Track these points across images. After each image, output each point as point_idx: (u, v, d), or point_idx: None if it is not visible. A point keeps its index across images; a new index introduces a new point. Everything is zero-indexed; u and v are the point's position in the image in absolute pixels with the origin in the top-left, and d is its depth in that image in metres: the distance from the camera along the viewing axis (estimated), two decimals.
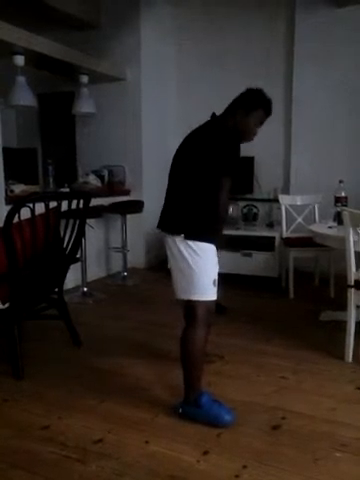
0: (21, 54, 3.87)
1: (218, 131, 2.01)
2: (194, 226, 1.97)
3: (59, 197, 2.77)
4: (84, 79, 4.59)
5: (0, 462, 1.78)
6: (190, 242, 1.93)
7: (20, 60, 3.90)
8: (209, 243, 1.96)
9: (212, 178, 1.93)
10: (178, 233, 1.96)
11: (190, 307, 1.99)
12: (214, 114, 2.09)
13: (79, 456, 1.80)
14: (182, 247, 1.95)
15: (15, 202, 2.39)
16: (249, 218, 4.80)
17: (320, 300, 3.87)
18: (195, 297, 1.96)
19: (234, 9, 4.91)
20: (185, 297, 1.99)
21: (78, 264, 3.73)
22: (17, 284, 2.50)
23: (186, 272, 1.96)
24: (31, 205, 2.35)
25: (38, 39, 3.89)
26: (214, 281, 1.98)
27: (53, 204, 2.55)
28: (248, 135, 2.08)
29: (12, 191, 3.66)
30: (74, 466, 1.75)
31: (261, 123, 2.10)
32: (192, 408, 2.01)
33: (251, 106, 2.06)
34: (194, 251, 1.93)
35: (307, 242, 3.56)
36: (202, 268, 1.94)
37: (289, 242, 4.07)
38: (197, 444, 1.87)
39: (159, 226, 2.09)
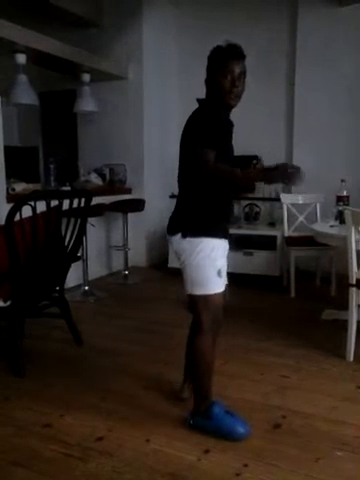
0: (23, 52, 3.87)
1: (195, 112, 1.85)
2: (189, 222, 1.86)
3: (60, 195, 2.78)
4: (86, 77, 4.59)
5: (1, 460, 1.79)
6: (188, 239, 1.83)
7: (22, 58, 3.90)
8: (208, 237, 1.83)
9: (193, 155, 1.74)
10: (176, 232, 1.87)
11: (193, 303, 1.88)
12: (197, 99, 1.91)
13: (80, 454, 1.80)
14: (181, 245, 1.86)
15: (16, 200, 2.39)
16: (251, 217, 4.80)
17: (321, 299, 3.87)
18: (196, 291, 1.85)
19: (236, 8, 4.90)
20: (189, 291, 1.88)
21: (79, 262, 3.73)
22: (18, 282, 2.51)
23: (188, 268, 1.86)
24: (32, 203, 2.35)
25: (40, 37, 3.89)
26: (219, 272, 1.84)
27: (54, 202, 2.55)
28: (227, 95, 1.81)
29: (13, 189, 3.66)
30: (75, 464, 1.75)
31: (232, 72, 1.79)
32: (203, 420, 1.92)
33: (210, 63, 1.86)
34: (192, 247, 1.82)
35: (309, 241, 3.55)
36: (201, 262, 1.82)
37: (291, 241, 4.06)
38: (198, 443, 1.87)
39: (168, 230, 1.98)
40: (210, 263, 1.83)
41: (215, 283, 1.86)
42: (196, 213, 1.85)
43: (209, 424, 1.90)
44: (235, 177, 1.69)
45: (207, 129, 1.73)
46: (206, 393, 1.93)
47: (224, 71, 1.80)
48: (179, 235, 1.85)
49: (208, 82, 1.89)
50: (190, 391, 2.08)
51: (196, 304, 1.88)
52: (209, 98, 1.89)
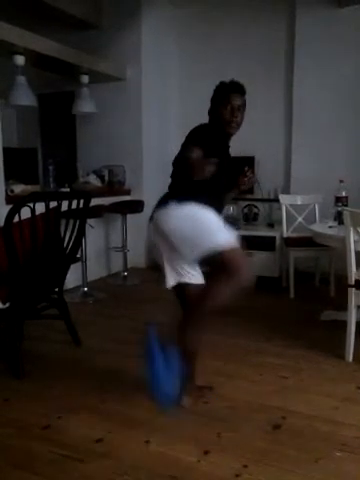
0: (21, 54, 3.87)
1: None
2: (178, 195, 1.90)
3: (59, 197, 2.77)
4: (84, 79, 4.60)
5: (0, 461, 1.78)
6: (176, 206, 1.85)
7: (20, 60, 3.90)
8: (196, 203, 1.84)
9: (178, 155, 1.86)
10: (163, 205, 1.90)
11: (219, 256, 1.76)
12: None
13: (79, 456, 1.80)
14: (170, 215, 1.86)
15: (15, 202, 2.39)
16: (249, 218, 4.81)
17: (320, 300, 3.87)
18: (215, 242, 1.76)
19: (235, 9, 4.91)
20: (210, 246, 1.76)
21: (78, 264, 3.73)
22: (17, 284, 2.51)
23: (187, 231, 1.82)
24: (31, 205, 2.35)
25: (39, 39, 3.89)
26: (222, 225, 1.84)
27: (53, 204, 2.55)
28: (227, 124, 1.99)
29: (12, 191, 3.66)
30: (74, 466, 1.75)
31: (233, 104, 1.98)
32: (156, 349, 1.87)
33: (214, 96, 2.07)
34: (183, 209, 1.84)
35: (307, 242, 3.55)
36: (200, 216, 1.83)
37: (289, 242, 4.07)
38: (197, 444, 1.87)
39: (150, 217, 1.98)
40: (206, 214, 1.82)
41: (224, 233, 1.81)
42: (181, 190, 1.92)
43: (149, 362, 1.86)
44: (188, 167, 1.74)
45: (197, 133, 1.91)
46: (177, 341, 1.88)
47: (225, 102, 2.00)
48: (166, 205, 1.87)
49: (210, 112, 2.08)
50: (191, 400, 2.09)
51: (226, 254, 1.76)
52: (212, 121, 2.07)
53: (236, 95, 2.00)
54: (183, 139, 2.08)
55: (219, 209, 2.00)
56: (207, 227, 1.82)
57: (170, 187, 2.06)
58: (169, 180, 2.08)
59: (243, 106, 2.03)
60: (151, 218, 1.98)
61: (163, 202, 1.94)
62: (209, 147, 1.82)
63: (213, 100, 2.07)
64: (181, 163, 1.83)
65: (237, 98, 2.00)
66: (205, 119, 2.13)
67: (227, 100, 1.99)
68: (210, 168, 1.74)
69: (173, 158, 1.92)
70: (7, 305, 2.53)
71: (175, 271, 2.00)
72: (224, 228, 1.84)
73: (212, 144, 1.88)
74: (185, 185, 1.90)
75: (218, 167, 1.84)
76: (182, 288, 2.03)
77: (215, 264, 1.82)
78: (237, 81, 2.05)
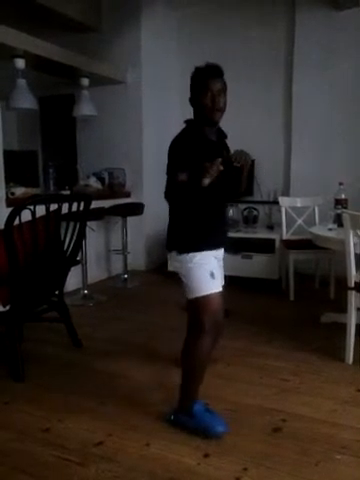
0: (22, 57, 3.88)
1: (177, 134, 2.00)
2: (179, 241, 1.98)
3: (60, 199, 2.78)
4: (85, 82, 4.61)
5: (0, 465, 1.78)
6: (180, 256, 1.95)
7: (21, 63, 3.92)
8: (196, 251, 1.92)
9: (169, 182, 1.90)
10: (170, 250, 2.01)
11: (193, 308, 1.94)
12: (185, 120, 2.06)
13: (79, 459, 1.80)
14: (175, 260, 1.98)
15: (16, 205, 2.40)
16: (249, 220, 4.81)
17: (320, 302, 3.87)
18: (194, 294, 1.92)
19: (235, 11, 4.93)
20: (188, 297, 1.95)
21: (79, 266, 3.74)
22: (18, 286, 2.51)
23: (183, 278, 1.96)
24: (32, 208, 2.36)
25: (39, 42, 3.91)
26: (212, 273, 1.92)
27: (54, 207, 2.55)
28: (209, 111, 1.91)
29: (13, 194, 3.66)
30: (74, 469, 1.75)
31: (212, 90, 1.89)
32: (184, 417, 1.97)
33: (192, 84, 1.98)
34: (184, 260, 1.93)
35: (307, 244, 3.55)
36: (193, 268, 1.92)
37: (289, 244, 4.07)
38: (198, 447, 1.87)
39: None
40: (201, 267, 1.92)
41: (210, 283, 1.92)
42: (183, 232, 1.98)
43: (190, 421, 1.95)
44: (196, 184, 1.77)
45: (178, 153, 1.89)
46: (194, 394, 1.98)
47: (204, 89, 1.90)
48: (173, 252, 1.98)
49: (191, 101, 2.00)
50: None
51: (196, 308, 1.93)
52: (195, 117, 2.01)
53: (214, 79, 1.89)
54: None
55: (223, 228, 2.11)
56: (196, 280, 1.92)
57: (172, 225, 2.06)
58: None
59: (224, 90, 1.92)
60: (166, 247, 2.07)
61: (169, 244, 2.03)
62: (197, 161, 1.79)
63: (192, 88, 1.97)
64: (179, 194, 1.88)
65: (216, 82, 1.89)
66: None
67: (206, 87, 1.89)
68: (214, 171, 1.75)
69: (164, 191, 1.93)
70: (7, 308, 2.53)
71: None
72: (201, 282, 1.92)
73: (199, 156, 1.83)
74: (185, 223, 1.97)
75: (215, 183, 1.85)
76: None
77: (193, 313, 1.96)
78: (213, 63, 1.94)
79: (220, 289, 1.96)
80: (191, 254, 1.92)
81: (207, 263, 1.93)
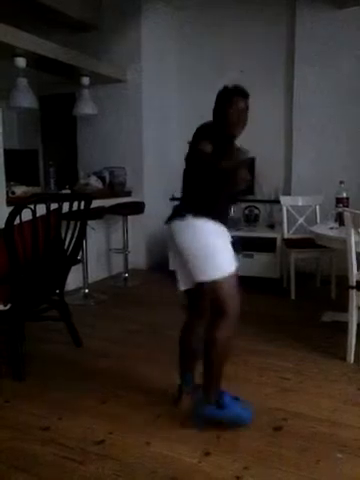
0: (22, 56, 3.89)
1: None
2: (192, 207, 1.95)
3: (60, 199, 2.78)
4: (85, 81, 4.61)
5: (1, 463, 1.78)
6: (190, 221, 1.91)
7: (21, 62, 3.92)
8: (209, 218, 1.92)
9: (193, 155, 1.96)
10: (178, 216, 1.95)
11: (211, 293, 1.91)
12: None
13: (80, 457, 1.80)
14: (183, 229, 1.93)
15: (16, 204, 2.40)
16: (250, 219, 4.81)
17: (321, 301, 3.87)
18: (216, 275, 1.87)
19: (235, 11, 4.92)
20: (202, 279, 1.90)
21: (79, 265, 3.73)
22: (18, 285, 2.51)
23: (197, 252, 1.90)
24: (32, 207, 2.36)
25: (39, 41, 3.91)
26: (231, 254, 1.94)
27: (54, 206, 2.55)
28: (232, 125, 1.99)
29: (13, 193, 3.66)
30: (75, 467, 1.75)
31: (237, 106, 1.98)
32: (214, 409, 1.96)
33: (218, 99, 2.05)
34: (203, 227, 1.91)
35: (308, 243, 3.55)
36: (213, 244, 1.91)
37: (290, 243, 4.07)
38: (198, 445, 1.86)
39: (166, 221, 2.03)
40: (221, 244, 1.93)
41: (230, 263, 1.92)
42: (198, 202, 1.96)
43: (222, 413, 1.95)
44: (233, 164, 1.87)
45: (204, 130, 1.96)
46: (219, 385, 1.98)
47: (230, 104, 1.99)
48: (182, 217, 1.92)
49: (215, 112, 2.05)
50: (188, 401, 2.10)
51: (217, 290, 1.90)
52: (215, 127, 2.04)
53: (241, 98, 2.01)
54: (183, 140, 2.08)
55: (227, 217, 2.11)
56: (211, 258, 1.90)
57: (185, 197, 2.05)
58: (171, 184, 2.09)
59: (246, 109, 2.04)
60: (167, 222, 2.02)
61: (180, 212, 1.97)
62: (218, 148, 1.88)
63: (217, 103, 2.04)
64: (212, 173, 1.89)
65: (241, 101, 2.01)
66: (206, 119, 2.12)
67: (231, 101, 1.99)
68: (245, 174, 1.88)
69: (183, 169, 1.96)
70: (8, 307, 2.53)
71: (185, 275, 2.02)
72: (226, 259, 1.92)
73: (221, 145, 1.92)
74: (201, 196, 1.96)
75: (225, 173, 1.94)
76: (195, 290, 2.05)
77: (205, 294, 1.96)
78: (239, 85, 2.05)
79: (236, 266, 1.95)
80: (211, 219, 1.91)
81: (225, 240, 1.96)
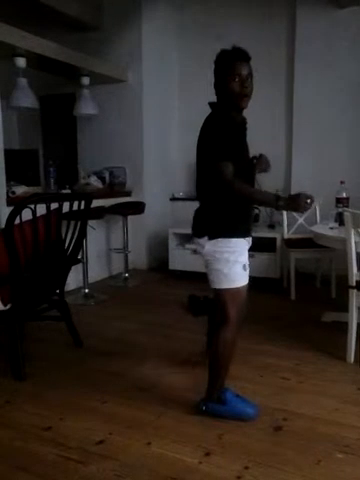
0: (23, 56, 3.88)
1: (208, 118, 1.94)
2: (213, 226, 1.96)
3: (60, 198, 2.78)
4: (85, 81, 4.61)
5: (1, 463, 1.78)
6: (213, 241, 1.93)
7: (22, 62, 3.91)
8: (231, 237, 1.94)
9: (212, 169, 1.85)
10: (202, 235, 1.97)
11: (220, 297, 1.98)
12: (209, 103, 2.01)
13: (80, 457, 1.80)
14: (207, 246, 1.96)
15: (16, 203, 2.39)
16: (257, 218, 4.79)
17: (321, 301, 3.87)
18: (225, 285, 1.95)
19: (235, 10, 4.92)
20: (217, 286, 1.98)
21: (79, 265, 3.74)
22: (19, 285, 2.51)
23: (216, 265, 1.95)
24: (32, 206, 2.35)
25: (40, 41, 3.90)
26: (244, 266, 1.96)
27: (54, 205, 2.55)
28: (237, 97, 1.87)
29: (13, 192, 3.66)
30: (75, 467, 1.75)
31: (240, 74, 1.84)
32: (216, 405, 2.04)
33: (218, 67, 1.93)
34: (218, 248, 1.93)
35: (308, 243, 3.55)
36: (228, 258, 1.93)
37: (290, 243, 4.06)
38: (199, 445, 1.87)
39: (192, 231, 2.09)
40: (235, 258, 1.94)
41: (241, 276, 1.97)
42: (218, 217, 1.96)
43: (223, 409, 2.03)
44: (251, 197, 1.89)
45: (222, 140, 1.82)
46: (222, 383, 2.05)
47: (232, 74, 1.85)
48: (205, 238, 1.96)
49: (217, 86, 1.94)
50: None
51: (223, 298, 1.98)
52: (220, 101, 1.96)
53: (243, 63, 1.85)
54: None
55: (251, 215, 2.12)
56: (229, 271, 1.94)
57: (203, 210, 2.03)
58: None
59: (251, 74, 1.88)
60: (192, 232, 2.06)
61: (199, 229, 2.01)
62: (237, 148, 1.85)
63: (217, 73, 1.91)
64: (241, 198, 1.89)
65: (244, 66, 1.85)
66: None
67: (233, 70, 1.84)
68: (272, 204, 1.86)
69: (200, 178, 1.94)
70: (8, 306, 2.53)
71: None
72: (236, 273, 1.95)
73: (238, 142, 1.87)
74: (220, 208, 1.94)
75: (246, 168, 1.95)
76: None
77: (219, 303, 2.01)
78: (240, 47, 1.90)
79: (248, 281, 2.01)
80: (226, 240, 1.92)
81: (241, 253, 1.96)
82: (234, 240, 1.94)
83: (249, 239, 2.05)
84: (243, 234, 1.99)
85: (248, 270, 2.00)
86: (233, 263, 1.93)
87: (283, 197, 1.84)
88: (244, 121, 2.00)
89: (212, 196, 1.95)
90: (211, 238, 1.94)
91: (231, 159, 1.80)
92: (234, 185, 1.81)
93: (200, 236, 1.98)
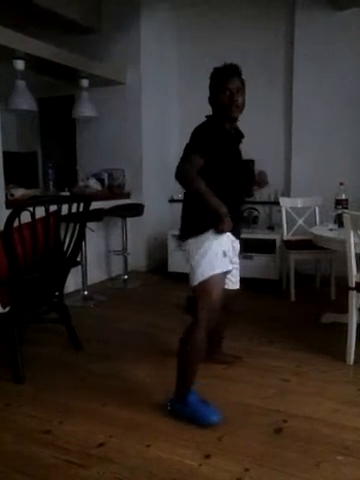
0: (21, 59, 3.89)
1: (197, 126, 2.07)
2: (189, 225, 2.09)
3: (59, 201, 2.77)
4: (84, 83, 4.61)
5: (1, 466, 1.78)
6: (192, 240, 2.04)
7: (20, 64, 3.92)
8: (207, 233, 2.01)
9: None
10: (183, 237, 2.11)
11: (197, 297, 2.05)
12: (206, 116, 2.15)
13: (80, 460, 1.80)
14: (188, 246, 2.07)
15: (15, 206, 2.39)
16: (250, 221, 4.80)
17: (321, 302, 3.87)
18: (200, 278, 2.02)
19: (234, 12, 4.93)
20: (193, 284, 2.05)
21: (79, 267, 3.74)
22: (18, 288, 2.50)
23: (194, 260, 2.04)
24: (31, 209, 2.35)
25: (38, 44, 3.91)
26: (224, 252, 2.02)
27: (53, 208, 2.55)
28: (228, 108, 2.03)
29: (12, 195, 3.66)
30: (76, 471, 1.74)
31: (230, 88, 2.01)
32: (179, 405, 2.06)
33: (211, 83, 2.10)
34: (196, 243, 2.02)
35: (308, 244, 3.56)
36: (207, 248, 2.00)
37: (290, 244, 4.07)
38: (199, 447, 1.86)
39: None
40: (215, 245, 2.01)
41: (220, 262, 2.01)
42: (196, 215, 2.05)
43: (185, 409, 2.04)
44: (203, 195, 1.94)
45: (197, 137, 1.97)
46: (188, 383, 2.06)
47: (223, 88, 2.02)
48: (186, 239, 2.09)
49: (211, 100, 2.11)
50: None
51: (197, 296, 2.05)
52: (214, 114, 2.12)
53: (232, 79, 2.02)
54: (183, 142, 2.08)
55: (236, 215, 2.14)
56: (208, 259, 2.01)
57: (185, 210, 2.14)
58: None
59: (242, 88, 2.04)
60: (179, 237, 2.23)
61: (184, 232, 2.13)
62: (214, 150, 1.94)
63: (211, 87, 2.08)
64: (188, 188, 2.00)
65: (234, 81, 2.02)
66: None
67: (224, 86, 2.01)
68: (227, 225, 1.97)
69: (176, 168, 1.96)
70: (7, 309, 2.53)
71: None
72: (207, 264, 2.00)
73: (217, 146, 1.97)
74: (197, 204, 2.01)
75: (231, 172, 2.05)
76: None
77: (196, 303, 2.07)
78: (231, 63, 2.06)
79: (227, 268, 2.05)
80: (205, 234, 2.00)
81: (220, 242, 2.01)
82: (205, 235, 2.01)
83: (233, 237, 2.11)
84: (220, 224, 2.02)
85: (230, 258, 2.06)
86: (209, 250, 1.99)
87: (225, 214, 1.95)
88: (237, 131, 2.15)
89: (185, 198, 2.10)
90: (186, 239, 2.07)
91: (201, 154, 1.90)
92: (191, 176, 1.90)
93: (181, 239, 2.13)
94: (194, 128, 2.03)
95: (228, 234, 2.06)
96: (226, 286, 2.18)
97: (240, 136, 2.19)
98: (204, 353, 2.09)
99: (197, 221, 2.05)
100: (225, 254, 2.02)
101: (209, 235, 2.01)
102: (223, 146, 2.01)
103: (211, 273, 2.00)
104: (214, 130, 2.02)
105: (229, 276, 2.23)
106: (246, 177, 2.27)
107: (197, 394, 2.06)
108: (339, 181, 3.49)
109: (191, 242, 2.05)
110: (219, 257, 2.01)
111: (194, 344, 2.04)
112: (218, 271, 2.01)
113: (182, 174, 1.92)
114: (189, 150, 1.94)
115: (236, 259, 2.27)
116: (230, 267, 2.09)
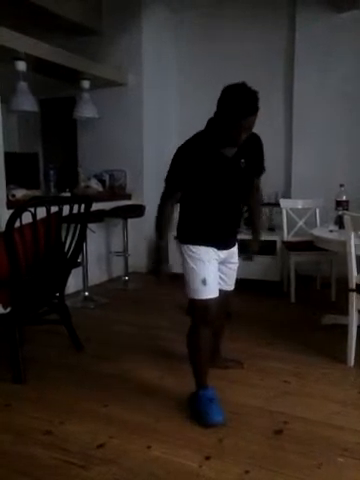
0: (23, 60, 3.89)
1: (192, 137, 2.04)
2: (180, 230, 2.15)
3: (60, 202, 2.77)
4: (86, 84, 4.61)
5: (2, 467, 1.78)
6: (183, 246, 2.11)
7: (22, 66, 3.92)
8: (194, 244, 2.07)
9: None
10: (179, 241, 2.15)
11: (190, 304, 2.12)
12: (208, 120, 2.01)
13: (81, 461, 1.80)
14: (180, 250, 2.14)
15: (16, 207, 2.40)
16: (250, 222, 4.79)
17: (322, 304, 3.87)
18: (189, 295, 2.10)
19: (235, 14, 4.93)
20: (187, 295, 2.12)
21: (79, 268, 3.73)
22: (19, 289, 2.51)
23: (184, 270, 2.12)
24: (32, 210, 2.36)
25: (40, 45, 3.91)
26: (203, 280, 2.04)
27: (54, 209, 2.55)
28: (231, 140, 1.89)
29: (13, 196, 3.66)
30: (76, 472, 1.74)
31: (243, 126, 1.80)
32: (192, 399, 2.13)
33: (223, 107, 1.82)
34: (185, 253, 2.10)
35: (308, 246, 3.56)
36: (190, 269, 2.07)
37: (290, 246, 4.07)
38: (199, 449, 1.86)
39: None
40: (195, 270, 2.06)
41: (199, 291, 2.06)
42: (183, 223, 2.15)
43: (194, 403, 2.11)
44: (156, 221, 2.14)
45: (172, 165, 2.00)
46: (199, 380, 2.13)
47: (237, 125, 1.80)
48: (180, 242, 2.15)
49: (218, 117, 1.88)
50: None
51: (190, 305, 2.12)
52: (216, 128, 1.92)
53: (249, 118, 1.79)
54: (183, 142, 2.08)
55: (225, 230, 2.16)
56: (190, 281, 2.08)
57: (180, 213, 2.19)
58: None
59: (254, 120, 1.84)
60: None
61: (178, 233, 2.18)
62: (193, 175, 1.96)
63: (222, 110, 1.83)
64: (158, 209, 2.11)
65: (249, 120, 1.80)
66: (205, 122, 2.11)
67: (239, 123, 1.79)
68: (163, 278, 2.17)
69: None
70: (8, 310, 2.53)
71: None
72: (194, 285, 2.06)
73: (203, 165, 1.94)
74: (184, 216, 2.15)
75: (216, 192, 2.04)
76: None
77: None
78: (251, 97, 1.79)
79: (212, 296, 2.06)
80: (189, 245, 2.07)
81: (200, 266, 2.04)
82: (196, 247, 2.06)
83: (221, 253, 2.13)
84: (206, 242, 2.07)
85: (213, 284, 2.06)
86: (191, 271, 2.05)
87: (162, 249, 2.12)
88: (241, 150, 1.99)
89: (180, 205, 2.15)
90: (181, 243, 2.13)
91: (171, 184, 2.02)
92: (160, 202, 2.08)
93: (177, 241, 2.18)
94: (179, 147, 1.97)
95: (214, 252, 2.10)
96: (219, 286, 2.16)
97: (240, 156, 2.01)
98: (208, 351, 2.14)
99: (188, 230, 2.12)
100: (205, 282, 2.03)
101: (202, 249, 2.07)
102: (205, 170, 1.93)
103: (195, 297, 2.06)
104: (196, 153, 1.91)
105: (223, 277, 2.23)
106: (241, 195, 2.24)
107: (212, 392, 2.11)
108: (339, 182, 3.49)
109: (183, 247, 2.12)
110: (199, 283, 2.05)
111: (194, 344, 2.10)
112: (201, 297, 2.05)
113: (158, 206, 2.09)
114: (166, 179, 2.03)
115: (234, 260, 2.28)
116: (213, 294, 2.07)
